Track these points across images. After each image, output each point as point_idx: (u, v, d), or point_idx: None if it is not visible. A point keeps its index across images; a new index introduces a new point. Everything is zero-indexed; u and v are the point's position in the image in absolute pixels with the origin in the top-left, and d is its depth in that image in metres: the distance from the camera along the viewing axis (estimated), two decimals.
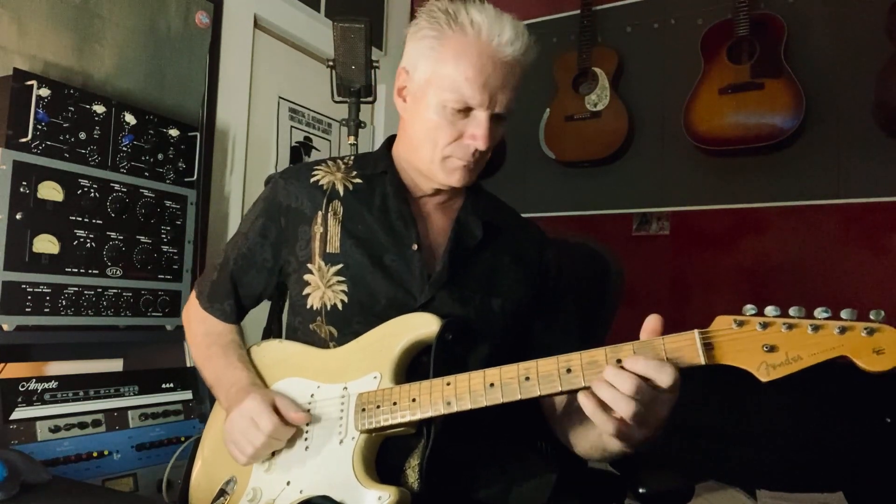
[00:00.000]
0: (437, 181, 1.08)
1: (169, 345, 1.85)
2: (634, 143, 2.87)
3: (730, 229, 2.68)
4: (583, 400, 0.81)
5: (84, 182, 1.62)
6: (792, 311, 0.76)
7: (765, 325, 0.77)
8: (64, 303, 1.56)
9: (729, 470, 2.40)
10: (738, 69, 2.53)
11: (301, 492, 0.98)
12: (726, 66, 2.55)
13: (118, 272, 1.68)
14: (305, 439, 1.02)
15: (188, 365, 1.82)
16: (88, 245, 1.62)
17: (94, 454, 1.51)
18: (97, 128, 1.67)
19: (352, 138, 2.16)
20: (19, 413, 1.43)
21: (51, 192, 1.55)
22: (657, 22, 2.89)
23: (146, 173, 1.79)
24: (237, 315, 1.21)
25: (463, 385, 0.91)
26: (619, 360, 0.82)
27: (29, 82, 1.54)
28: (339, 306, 1.06)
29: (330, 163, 1.18)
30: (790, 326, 0.76)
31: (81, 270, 1.60)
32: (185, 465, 1.23)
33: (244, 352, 1.18)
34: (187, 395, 1.76)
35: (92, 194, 1.63)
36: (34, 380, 1.49)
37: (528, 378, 0.87)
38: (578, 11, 2.92)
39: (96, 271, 1.64)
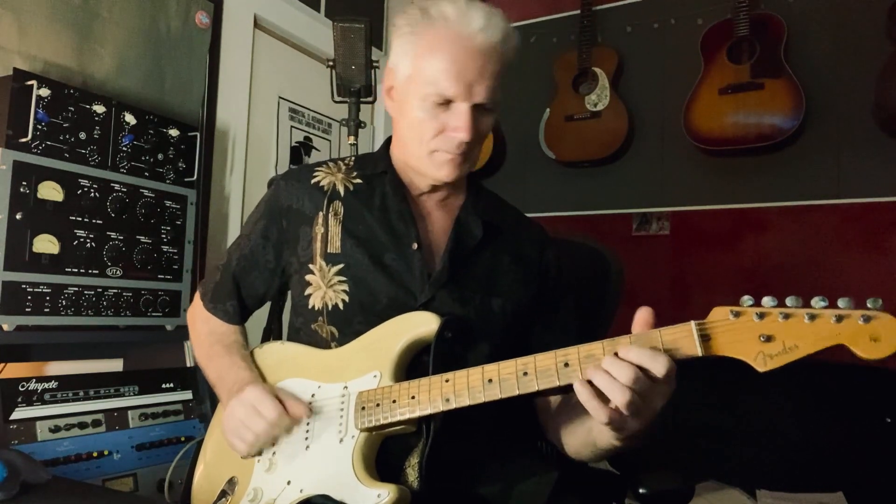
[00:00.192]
0: (429, 177, 1.08)
1: (169, 345, 1.85)
2: (634, 143, 2.87)
3: (730, 229, 2.68)
4: (578, 388, 0.81)
5: (84, 182, 1.62)
6: (789, 300, 0.76)
7: (761, 316, 0.77)
8: (64, 303, 1.56)
9: (729, 470, 2.40)
10: (738, 69, 2.53)
11: (301, 491, 0.98)
12: (726, 66, 2.56)
13: (118, 272, 1.68)
14: (306, 438, 1.02)
15: (188, 365, 1.82)
16: (88, 245, 1.62)
17: (94, 454, 1.51)
18: (97, 128, 1.68)
19: (352, 138, 2.16)
20: (19, 413, 1.43)
21: (51, 192, 1.55)
22: (657, 22, 2.89)
23: (146, 173, 1.79)
24: (240, 316, 1.22)
25: (461, 381, 0.91)
26: (616, 353, 0.82)
27: (29, 82, 1.54)
28: (340, 306, 1.06)
29: (331, 164, 1.18)
30: (787, 316, 0.76)
31: (81, 270, 1.60)
32: (188, 466, 1.23)
33: (247, 352, 1.18)
34: (187, 395, 1.76)
35: (92, 194, 1.63)
36: (34, 380, 1.49)
37: (525, 373, 0.88)
38: (578, 11, 2.92)
39: (96, 271, 1.64)
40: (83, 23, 1.91)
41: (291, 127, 2.80)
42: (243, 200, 2.45)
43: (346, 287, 1.06)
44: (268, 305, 1.31)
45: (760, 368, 0.76)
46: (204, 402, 1.77)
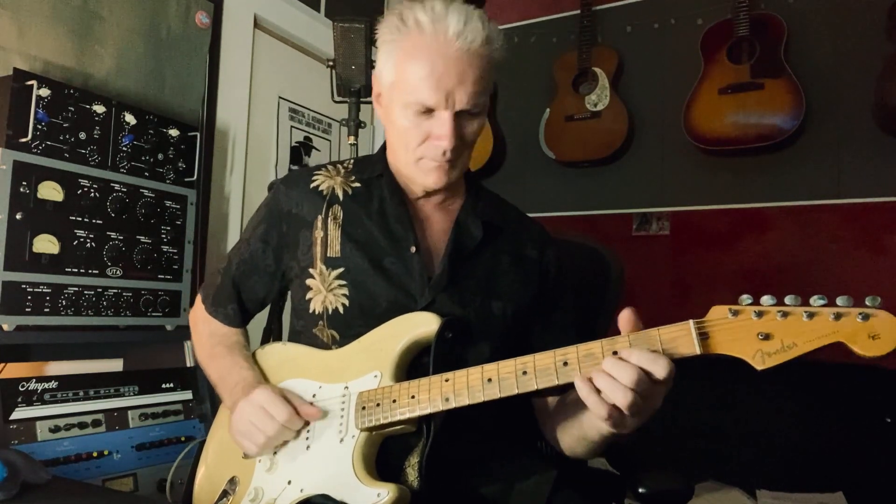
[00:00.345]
0: (418, 183, 1.08)
1: (169, 345, 1.85)
2: (634, 143, 2.87)
3: (730, 229, 2.68)
4: (579, 384, 0.82)
5: (84, 182, 1.62)
6: (787, 299, 0.76)
7: (760, 314, 0.77)
8: (64, 303, 1.56)
9: (729, 470, 2.40)
10: (738, 69, 2.53)
11: (302, 490, 0.98)
12: (726, 66, 2.56)
13: (118, 272, 1.68)
14: (307, 438, 1.02)
15: (188, 365, 1.82)
16: (88, 245, 1.62)
17: (94, 454, 1.51)
18: (97, 128, 1.68)
19: (352, 138, 2.16)
20: (19, 413, 1.44)
21: (51, 192, 1.55)
22: (657, 22, 2.89)
23: (146, 173, 1.79)
24: (241, 319, 1.22)
25: (461, 381, 0.91)
26: (615, 353, 0.82)
27: (29, 82, 1.54)
28: (341, 310, 1.06)
29: (330, 167, 1.18)
30: (785, 314, 0.76)
31: (81, 270, 1.60)
32: (189, 466, 1.23)
33: (249, 353, 1.19)
34: (187, 395, 1.76)
35: (92, 194, 1.63)
36: (34, 380, 1.49)
37: (525, 372, 0.88)
38: (578, 11, 2.92)
39: (96, 271, 1.64)
40: (83, 23, 1.91)
41: (291, 127, 2.80)
42: (243, 200, 2.45)
43: (346, 291, 1.06)
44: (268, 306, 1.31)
45: (759, 366, 0.76)
46: (204, 402, 1.77)
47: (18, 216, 1.48)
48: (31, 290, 1.50)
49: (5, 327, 1.47)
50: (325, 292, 1.08)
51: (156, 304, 1.77)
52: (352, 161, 1.21)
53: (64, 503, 1.15)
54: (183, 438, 1.69)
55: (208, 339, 1.21)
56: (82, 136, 1.64)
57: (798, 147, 2.53)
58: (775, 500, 2.28)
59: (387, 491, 0.90)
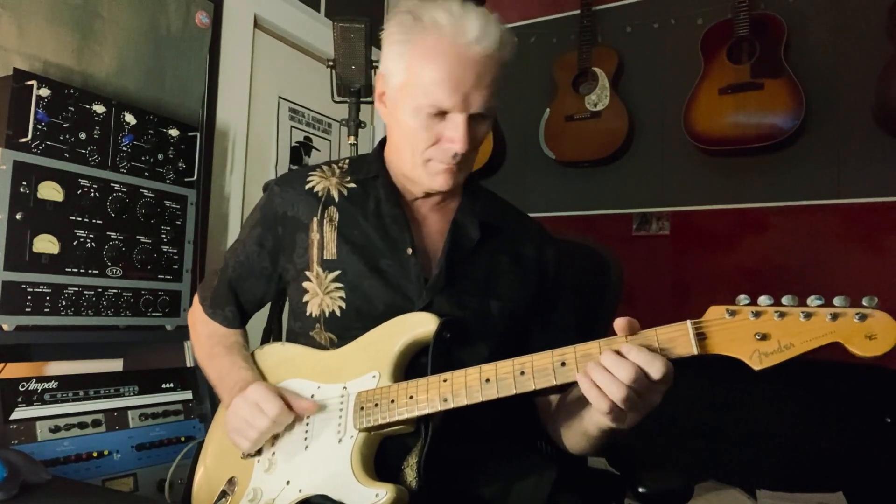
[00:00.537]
0: (423, 185, 1.07)
1: (169, 345, 1.85)
2: (634, 143, 2.87)
3: (730, 229, 2.68)
4: (580, 378, 0.83)
5: (84, 182, 1.62)
6: (785, 299, 0.77)
7: (757, 314, 0.77)
8: (64, 303, 1.56)
9: (729, 470, 2.40)
10: (738, 69, 2.53)
11: (300, 491, 0.98)
12: (726, 66, 2.56)
13: (118, 272, 1.68)
14: (305, 438, 1.02)
15: (188, 365, 1.82)
16: (88, 245, 1.62)
17: (94, 454, 1.51)
18: (97, 128, 1.68)
19: (352, 138, 2.16)
20: (19, 413, 1.44)
21: (51, 192, 1.55)
22: (657, 22, 2.89)
23: (146, 173, 1.79)
24: (240, 320, 1.22)
25: (459, 381, 0.92)
26: (618, 351, 0.82)
27: (29, 82, 1.54)
28: (338, 313, 1.06)
29: (325, 168, 1.17)
30: (782, 314, 0.76)
31: (81, 270, 1.60)
32: (189, 466, 1.24)
33: (248, 353, 1.19)
34: (187, 395, 1.76)
35: (92, 194, 1.63)
36: (34, 380, 1.49)
37: (523, 373, 0.88)
38: (578, 11, 2.92)
39: (96, 271, 1.64)
40: (83, 23, 1.91)
41: (291, 127, 2.80)
42: (243, 200, 2.45)
43: (342, 294, 1.06)
44: (268, 306, 1.31)
45: (756, 367, 0.77)
46: (204, 402, 1.77)
47: (18, 216, 1.48)
48: (31, 290, 1.50)
49: (5, 327, 1.47)
50: (322, 295, 1.07)
51: (156, 304, 1.77)
52: (347, 161, 1.20)
53: (64, 503, 1.15)
54: (183, 438, 1.69)
55: (207, 339, 1.21)
56: (82, 136, 1.64)
57: (798, 147, 2.53)
58: (775, 500, 2.28)
59: (385, 491, 0.90)
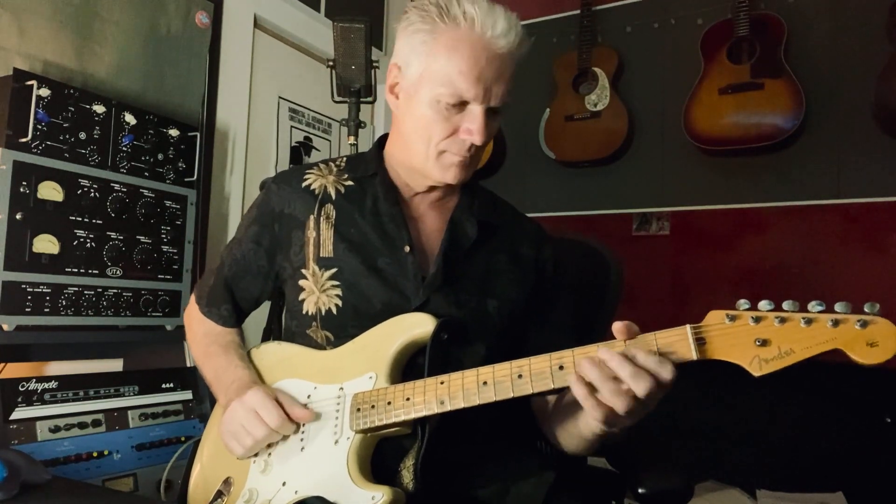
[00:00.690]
0: (433, 178, 1.06)
1: (169, 345, 1.85)
2: (634, 143, 2.87)
3: (730, 229, 2.68)
4: (574, 384, 0.82)
5: (84, 182, 1.62)
6: (785, 304, 0.76)
7: (757, 320, 0.76)
8: (64, 303, 1.56)
9: (729, 470, 2.40)
10: (738, 69, 2.52)
11: (296, 492, 0.98)
12: (726, 66, 2.55)
13: (118, 272, 1.69)
14: (301, 440, 1.02)
15: (188, 365, 1.82)
16: (88, 245, 1.62)
17: (94, 454, 1.51)
18: (97, 128, 1.68)
19: (352, 138, 2.16)
20: (19, 413, 1.44)
21: (51, 192, 1.55)
22: (657, 22, 2.89)
23: (146, 173, 1.79)
24: (236, 319, 1.22)
25: (456, 384, 0.91)
26: (624, 354, 0.81)
27: (29, 82, 1.54)
28: (334, 311, 1.06)
29: (322, 166, 1.17)
30: (783, 320, 0.75)
31: (81, 270, 1.60)
32: (185, 465, 1.23)
33: (244, 352, 1.18)
34: (187, 395, 1.76)
35: (92, 194, 1.63)
36: (34, 380, 1.49)
37: (520, 375, 0.87)
38: (578, 11, 2.92)
39: (96, 271, 1.64)
40: (83, 23, 1.91)
41: (291, 127, 2.80)
42: (243, 200, 2.45)
43: (339, 292, 1.06)
44: (267, 306, 1.31)
45: (756, 373, 0.76)
46: (204, 402, 1.77)
47: (18, 216, 1.48)
48: (31, 290, 1.50)
49: (5, 327, 1.47)
50: (318, 293, 1.07)
51: (156, 304, 1.77)
52: (344, 159, 1.19)
53: (64, 503, 1.15)
54: (183, 438, 1.69)
55: (203, 338, 1.21)
56: (82, 136, 1.64)
57: (798, 147, 2.53)
58: (775, 500, 2.28)
59: (381, 494, 0.90)
